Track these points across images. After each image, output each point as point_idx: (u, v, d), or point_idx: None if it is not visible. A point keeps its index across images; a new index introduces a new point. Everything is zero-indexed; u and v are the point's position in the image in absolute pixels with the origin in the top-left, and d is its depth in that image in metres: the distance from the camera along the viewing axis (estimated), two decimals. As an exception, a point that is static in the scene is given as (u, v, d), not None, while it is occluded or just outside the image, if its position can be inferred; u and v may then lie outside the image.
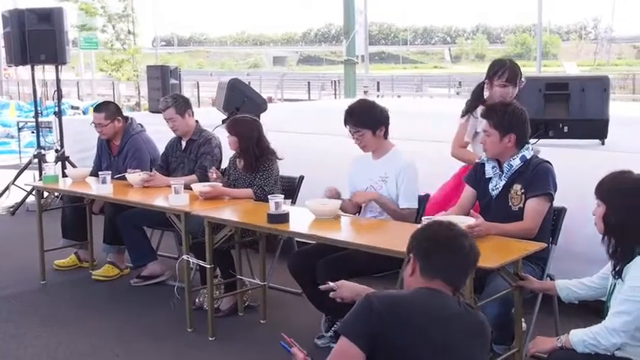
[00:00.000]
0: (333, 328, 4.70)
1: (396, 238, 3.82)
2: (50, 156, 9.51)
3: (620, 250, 3.34)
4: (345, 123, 4.88)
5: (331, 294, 3.23)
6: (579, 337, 3.28)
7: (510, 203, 4.34)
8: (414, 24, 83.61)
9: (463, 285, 2.76)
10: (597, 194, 3.42)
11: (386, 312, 2.44)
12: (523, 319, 4.17)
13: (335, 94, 24.82)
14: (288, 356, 2.65)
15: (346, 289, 3.19)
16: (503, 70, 4.89)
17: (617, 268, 3.35)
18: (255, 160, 5.45)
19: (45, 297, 6.07)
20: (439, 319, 2.50)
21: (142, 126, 6.72)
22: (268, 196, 4.77)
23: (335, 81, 25.74)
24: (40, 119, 9.73)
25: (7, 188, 9.22)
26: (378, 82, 25.35)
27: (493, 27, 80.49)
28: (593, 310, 3.66)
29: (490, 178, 4.46)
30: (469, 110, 5.19)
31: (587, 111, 6.69)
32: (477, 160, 4.66)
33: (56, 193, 6.80)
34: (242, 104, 8.07)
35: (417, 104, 16.51)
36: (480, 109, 4.80)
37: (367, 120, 4.84)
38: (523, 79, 5.09)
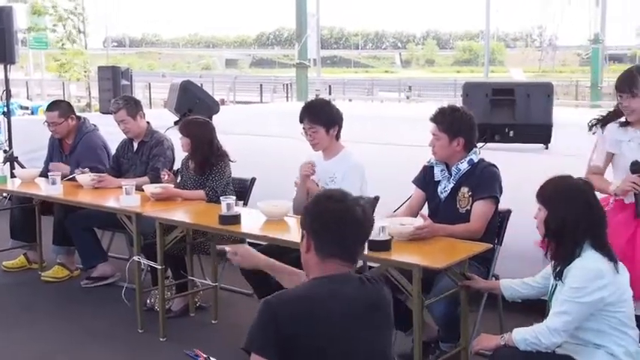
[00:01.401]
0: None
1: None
2: (-1, 156, 9.41)
3: (560, 252, 3.42)
4: (301, 119, 4.90)
5: (229, 259, 3.20)
6: (522, 335, 3.34)
7: (458, 205, 4.39)
8: (365, 29, 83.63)
9: (360, 255, 2.64)
10: (538, 199, 3.48)
11: (288, 316, 2.37)
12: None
13: (287, 96, 24.84)
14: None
15: (245, 258, 3.17)
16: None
17: (557, 270, 3.42)
18: (207, 161, 5.45)
19: (-8, 298, 6.00)
20: (338, 311, 2.41)
21: (95, 126, 6.67)
22: (220, 198, 4.78)
23: (287, 84, 25.76)
24: (-13, 119, 9.61)
25: (-46, 189, 9.07)
26: (329, 86, 25.34)
27: (442, 33, 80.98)
28: (535, 308, 3.72)
29: (439, 180, 4.51)
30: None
31: (532, 116, 6.84)
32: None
33: (4, 194, 6.72)
34: (194, 106, 8.08)
35: (368, 108, 16.61)
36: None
37: (323, 117, 4.87)
38: None
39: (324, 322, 2.38)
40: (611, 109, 3.94)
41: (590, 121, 4.02)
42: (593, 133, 4.04)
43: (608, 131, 3.91)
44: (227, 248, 3.26)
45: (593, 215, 3.38)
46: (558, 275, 3.39)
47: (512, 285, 3.83)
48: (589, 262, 3.32)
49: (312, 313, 2.38)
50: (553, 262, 3.48)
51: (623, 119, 3.81)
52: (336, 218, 2.49)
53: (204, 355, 2.58)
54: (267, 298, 2.43)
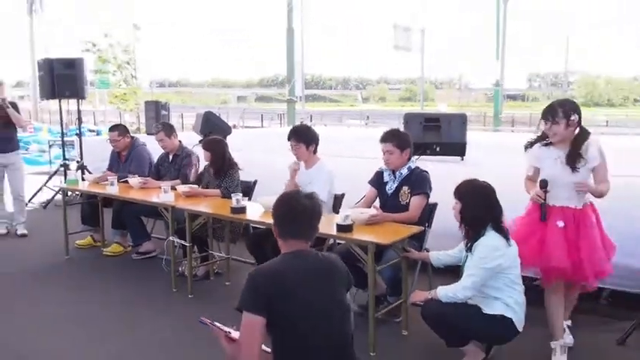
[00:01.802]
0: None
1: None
2: (73, 165, 9.35)
3: (471, 233, 3.45)
4: (289, 138, 4.89)
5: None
6: (444, 291, 3.38)
7: (400, 199, 4.41)
8: (336, 74, 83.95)
9: (314, 235, 2.55)
10: (455, 195, 3.50)
11: (266, 284, 2.34)
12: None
13: (280, 123, 24.76)
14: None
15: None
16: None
17: (468, 245, 3.45)
18: (222, 168, 5.43)
19: (69, 267, 5.94)
20: (304, 280, 2.39)
21: (144, 143, 6.64)
22: (231, 195, 4.77)
23: (281, 114, 25.68)
24: (65, 139, 9.53)
25: (40, 189, 9.03)
26: (311, 115, 25.38)
27: (391, 78, 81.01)
28: (454, 272, 3.74)
29: (387, 182, 4.53)
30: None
31: (452, 136, 6.87)
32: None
33: (77, 192, 6.69)
34: (213, 129, 8.03)
35: (339, 131, 16.58)
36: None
37: (304, 137, 4.86)
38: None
39: (291, 281, 2.36)
40: (539, 134, 3.77)
41: (525, 144, 3.86)
42: (526, 151, 3.88)
43: (534, 150, 3.78)
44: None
45: (493, 207, 3.41)
46: (469, 249, 3.43)
47: (438, 256, 3.86)
48: (490, 239, 3.35)
49: (282, 277, 2.36)
50: (465, 239, 3.51)
51: (547, 141, 3.69)
52: (290, 209, 2.47)
53: (209, 320, 2.47)
54: (250, 272, 2.39)
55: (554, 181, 3.62)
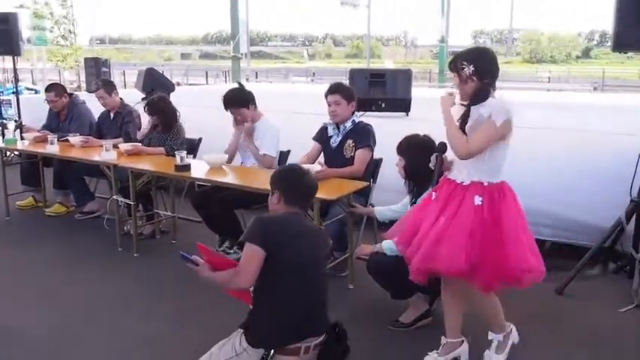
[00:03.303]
0: (224, 245, 4.69)
1: (263, 181, 3.83)
2: (11, 125, 8.99)
3: (415, 188, 3.47)
4: (226, 109, 4.79)
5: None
6: (388, 245, 3.37)
7: (345, 153, 4.41)
8: (282, 31, 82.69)
9: (309, 207, 2.82)
10: (398, 151, 3.50)
11: (271, 224, 2.49)
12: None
13: (225, 80, 24.35)
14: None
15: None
16: None
17: (413, 200, 3.48)
18: (169, 124, 5.32)
19: (10, 229, 5.77)
20: (302, 231, 2.55)
21: (84, 101, 6.44)
22: (175, 152, 4.67)
23: (226, 71, 25.24)
24: (1, 97, 9.14)
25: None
26: (256, 73, 25.07)
27: (337, 35, 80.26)
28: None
29: (331, 136, 4.52)
30: None
31: (397, 92, 6.88)
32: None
33: (16, 152, 6.47)
34: (155, 86, 7.82)
35: (284, 88, 16.43)
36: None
37: (237, 103, 4.76)
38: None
39: (293, 229, 2.51)
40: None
41: None
42: None
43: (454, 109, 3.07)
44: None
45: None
46: (413, 203, 3.44)
47: (383, 211, 3.88)
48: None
49: (284, 224, 2.51)
50: (410, 194, 3.53)
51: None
52: (298, 182, 2.67)
53: (205, 246, 2.54)
54: (258, 216, 2.52)
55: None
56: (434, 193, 2.93)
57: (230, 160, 4.86)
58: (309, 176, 2.73)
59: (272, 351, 2.45)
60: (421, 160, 3.22)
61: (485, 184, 2.79)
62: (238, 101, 4.76)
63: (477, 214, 2.74)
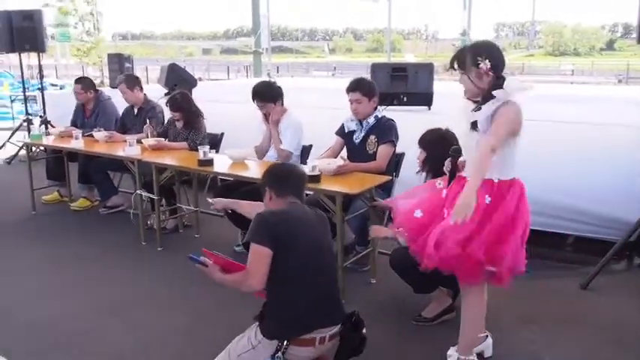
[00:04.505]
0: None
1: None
2: (36, 121, 9.12)
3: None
4: (253, 99, 4.76)
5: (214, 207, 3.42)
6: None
7: (367, 148, 4.38)
8: (302, 26, 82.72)
9: (304, 195, 2.77)
10: (420, 144, 3.48)
11: (274, 220, 2.49)
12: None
13: (247, 75, 24.45)
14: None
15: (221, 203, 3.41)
16: None
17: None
18: (190, 120, 5.33)
19: (36, 223, 5.84)
20: (303, 220, 2.56)
21: (109, 96, 6.48)
22: (198, 147, 4.69)
23: (247, 66, 25.35)
24: (27, 93, 9.28)
25: (3, 145, 8.83)
26: (277, 67, 25.09)
27: (357, 29, 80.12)
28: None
29: (354, 131, 4.49)
30: None
31: (419, 86, 6.84)
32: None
33: (41, 148, 6.56)
34: (178, 81, 7.87)
35: (305, 82, 16.43)
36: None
37: (268, 97, 4.73)
38: None
39: (295, 220, 2.54)
40: None
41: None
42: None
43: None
44: (210, 200, 3.41)
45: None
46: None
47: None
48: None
49: (287, 216, 2.54)
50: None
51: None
52: (286, 175, 2.74)
53: (212, 252, 2.56)
54: (260, 212, 2.56)
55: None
56: (439, 181, 3.03)
57: (261, 158, 4.85)
58: (292, 166, 2.86)
59: (285, 342, 2.44)
60: (441, 153, 3.20)
61: (496, 181, 2.71)
62: (267, 95, 4.75)
63: (486, 212, 2.67)
